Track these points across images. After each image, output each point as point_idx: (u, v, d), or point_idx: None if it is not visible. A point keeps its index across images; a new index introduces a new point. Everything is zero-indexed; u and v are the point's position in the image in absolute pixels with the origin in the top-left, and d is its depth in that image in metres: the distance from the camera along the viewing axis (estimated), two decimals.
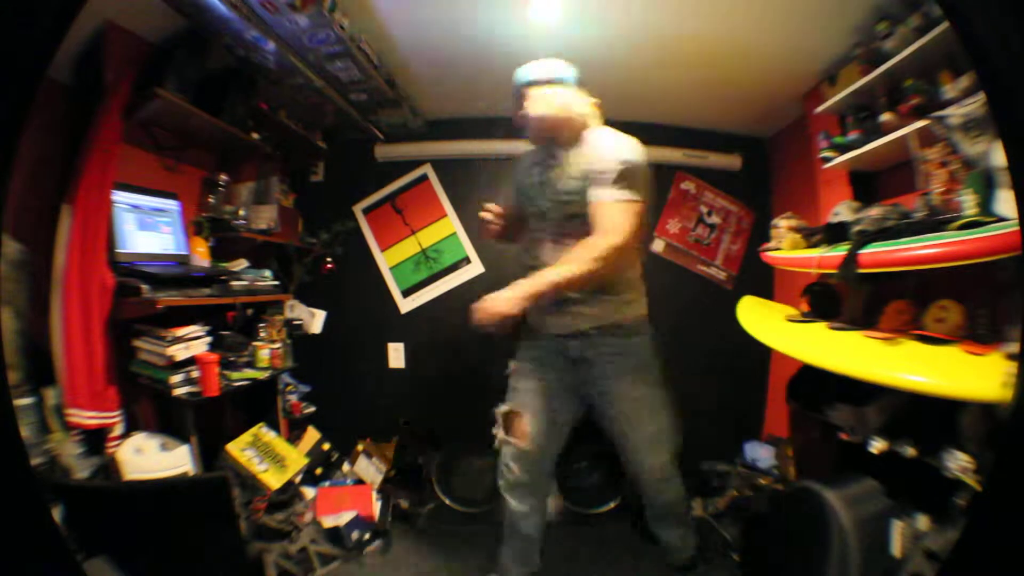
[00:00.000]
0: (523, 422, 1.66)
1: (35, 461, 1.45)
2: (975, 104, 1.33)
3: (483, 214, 1.73)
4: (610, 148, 1.58)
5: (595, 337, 1.65)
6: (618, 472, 2.55)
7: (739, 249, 3.02)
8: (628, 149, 1.58)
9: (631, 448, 1.72)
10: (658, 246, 2.99)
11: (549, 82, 1.63)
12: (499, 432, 1.70)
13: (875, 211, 1.68)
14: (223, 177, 2.29)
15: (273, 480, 2.04)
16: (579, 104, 1.66)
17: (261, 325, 2.24)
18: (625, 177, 1.51)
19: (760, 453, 2.59)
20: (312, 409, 2.69)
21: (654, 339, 1.73)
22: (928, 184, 1.54)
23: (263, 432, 2.20)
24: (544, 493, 1.81)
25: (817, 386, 1.84)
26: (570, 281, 1.47)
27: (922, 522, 1.41)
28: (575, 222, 1.58)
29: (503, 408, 1.72)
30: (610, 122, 2.89)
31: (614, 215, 1.50)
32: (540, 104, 1.62)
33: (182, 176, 2.16)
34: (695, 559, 1.95)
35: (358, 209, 2.99)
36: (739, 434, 2.77)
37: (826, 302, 1.93)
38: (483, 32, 2.03)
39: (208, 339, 1.92)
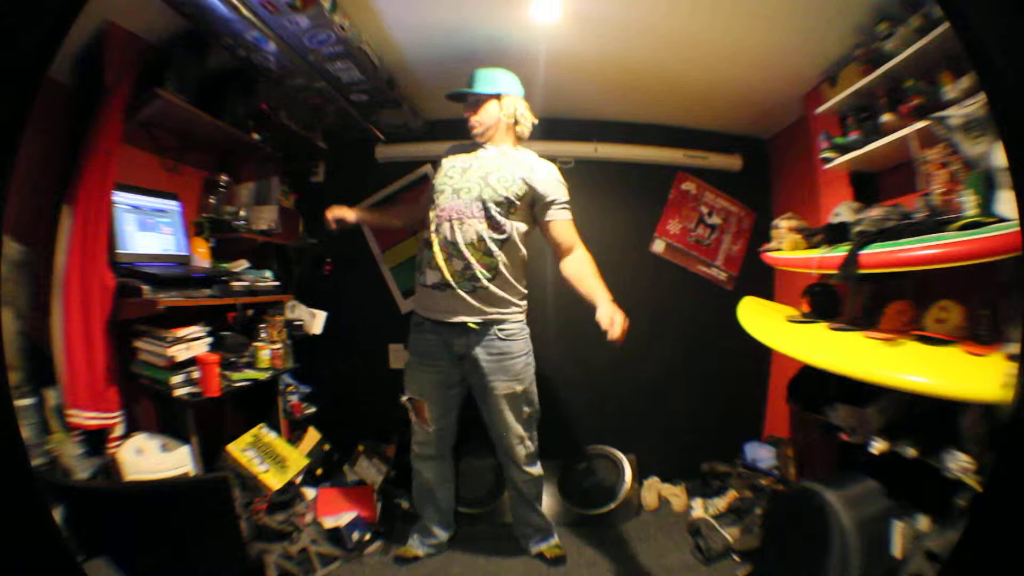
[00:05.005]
0: (424, 407, 1.96)
1: (36, 462, 1.46)
2: (976, 105, 1.33)
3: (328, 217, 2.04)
4: (551, 173, 1.90)
5: (478, 334, 1.86)
6: (617, 473, 2.56)
7: (739, 250, 3.02)
8: (558, 173, 1.92)
9: (504, 431, 1.96)
10: (658, 247, 2.99)
11: (499, 95, 1.88)
12: (411, 416, 2.00)
13: (876, 212, 1.68)
14: (224, 178, 2.29)
15: (274, 481, 2.04)
16: (524, 116, 1.93)
17: (262, 325, 2.24)
18: (567, 198, 1.90)
19: (760, 453, 2.59)
20: (313, 410, 2.69)
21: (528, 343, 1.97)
22: (929, 185, 1.54)
23: (264, 433, 2.20)
24: (449, 465, 2.14)
25: (817, 387, 1.84)
26: None
27: (923, 522, 1.42)
28: (489, 208, 1.81)
29: (406, 396, 2.01)
30: (611, 123, 2.93)
31: (572, 232, 1.91)
32: (494, 111, 1.89)
33: (183, 177, 2.16)
34: (563, 553, 2.10)
35: None
36: (739, 434, 2.76)
37: (826, 302, 1.93)
38: (484, 32, 2.03)
39: (209, 340, 1.91)
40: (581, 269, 1.87)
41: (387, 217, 2.14)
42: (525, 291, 1.95)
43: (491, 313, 1.85)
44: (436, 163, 2.02)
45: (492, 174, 1.84)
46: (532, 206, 1.88)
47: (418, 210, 2.08)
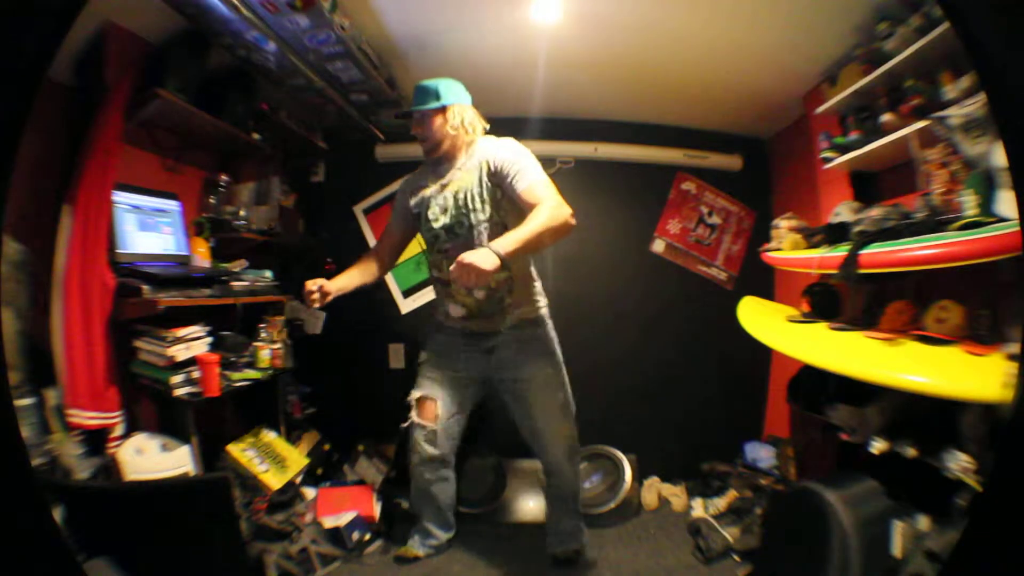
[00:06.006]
0: (433, 406, 1.95)
1: (36, 461, 1.45)
2: (976, 104, 1.33)
3: (307, 287, 1.72)
4: (506, 147, 1.80)
5: (506, 334, 1.88)
6: (617, 473, 2.56)
7: (740, 249, 3.02)
8: (516, 144, 1.81)
9: (541, 422, 1.94)
10: (659, 246, 2.99)
11: (444, 107, 1.79)
12: (412, 414, 1.97)
13: (876, 211, 1.68)
14: (224, 177, 2.29)
15: (274, 481, 2.05)
16: (473, 124, 1.84)
17: (261, 325, 2.23)
18: (532, 163, 1.75)
19: (761, 453, 2.59)
20: (312, 410, 2.69)
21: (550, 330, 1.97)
22: (929, 184, 1.54)
23: (264, 433, 2.20)
24: (451, 465, 2.08)
25: (817, 386, 1.84)
26: (538, 235, 1.55)
27: (923, 522, 1.41)
28: (484, 228, 1.77)
29: (416, 394, 1.98)
30: (611, 123, 2.93)
31: (545, 192, 1.67)
32: (439, 124, 1.80)
33: (183, 176, 2.16)
34: (579, 552, 2.07)
35: (359, 209, 2.99)
36: (740, 434, 2.77)
37: (827, 302, 1.93)
38: (483, 32, 2.03)
39: (209, 339, 1.91)
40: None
41: (360, 277, 1.92)
42: (537, 279, 1.96)
43: (520, 314, 1.88)
44: (415, 192, 1.92)
45: (465, 194, 1.78)
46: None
47: (383, 256, 2.00)
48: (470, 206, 1.77)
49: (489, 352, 1.91)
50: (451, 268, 1.47)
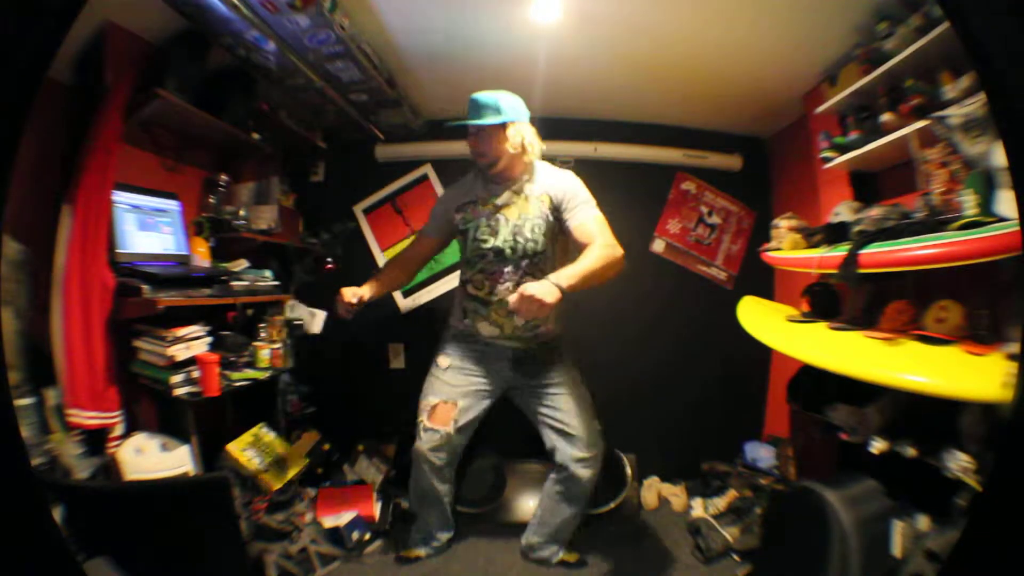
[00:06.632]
0: (451, 411, 1.91)
1: (36, 461, 1.46)
2: (975, 104, 1.33)
3: (347, 299, 1.76)
4: (567, 181, 1.82)
5: (533, 347, 1.93)
6: (617, 473, 2.56)
7: (739, 249, 3.02)
8: (575, 178, 1.84)
9: (574, 418, 1.93)
10: (658, 246, 2.99)
11: (505, 124, 1.74)
12: (423, 419, 1.93)
13: (875, 211, 1.68)
14: (224, 177, 2.29)
15: (273, 480, 2.05)
16: (532, 144, 1.82)
17: (261, 325, 2.24)
18: (589, 199, 1.79)
19: (760, 453, 2.59)
20: (312, 409, 2.69)
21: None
22: (928, 184, 1.54)
23: (263, 432, 2.20)
24: (453, 469, 2.07)
25: (817, 386, 1.84)
26: (596, 271, 1.59)
27: (923, 522, 1.41)
28: (536, 259, 1.80)
29: (432, 400, 1.93)
30: (611, 123, 2.93)
31: (599, 229, 1.71)
32: (499, 142, 1.75)
33: (183, 176, 2.16)
34: (582, 557, 2.10)
35: (359, 209, 2.99)
36: (740, 434, 2.77)
37: (826, 302, 1.94)
38: (484, 32, 2.03)
39: (208, 339, 1.91)
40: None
41: (391, 284, 1.97)
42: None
43: (548, 332, 1.93)
44: (462, 207, 1.89)
45: (524, 223, 1.79)
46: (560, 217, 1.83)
47: (412, 263, 2.02)
48: (527, 236, 1.78)
49: (516, 362, 1.93)
50: (511, 299, 1.51)
